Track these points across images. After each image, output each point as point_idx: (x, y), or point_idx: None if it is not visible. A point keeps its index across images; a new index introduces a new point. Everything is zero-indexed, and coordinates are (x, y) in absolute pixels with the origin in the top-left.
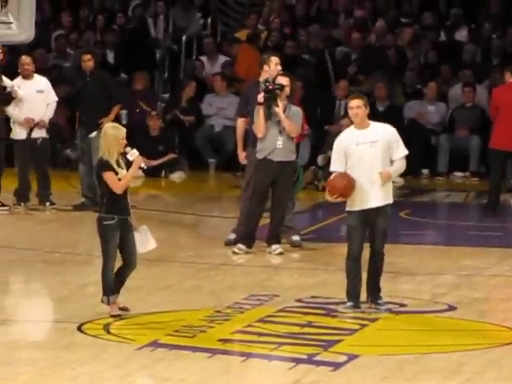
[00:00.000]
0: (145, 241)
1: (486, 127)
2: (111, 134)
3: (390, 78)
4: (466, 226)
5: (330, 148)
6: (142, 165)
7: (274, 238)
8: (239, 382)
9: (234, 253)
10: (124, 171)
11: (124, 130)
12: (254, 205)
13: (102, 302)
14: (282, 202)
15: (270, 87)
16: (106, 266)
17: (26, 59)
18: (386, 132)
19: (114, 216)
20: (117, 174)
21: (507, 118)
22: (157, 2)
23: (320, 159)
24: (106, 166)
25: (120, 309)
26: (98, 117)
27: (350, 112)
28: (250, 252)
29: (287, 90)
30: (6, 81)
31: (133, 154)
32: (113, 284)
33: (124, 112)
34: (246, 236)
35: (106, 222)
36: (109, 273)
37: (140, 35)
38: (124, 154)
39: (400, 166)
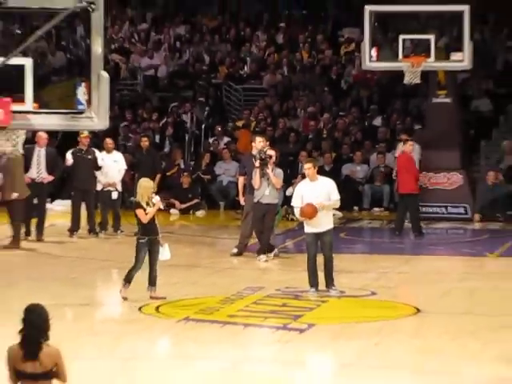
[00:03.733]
0: (165, 253)
1: (392, 179)
2: (144, 186)
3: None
4: (382, 241)
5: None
6: (161, 206)
7: (261, 251)
8: (241, 341)
9: (259, 260)
10: (150, 208)
11: (152, 183)
12: (256, 230)
13: (120, 290)
14: (268, 228)
15: (263, 157)
16: (134, 267)
17: (109, 141)
18: (326, 184)
19: (145, 237)
20: (145, 210)
21: (402, 173)
22: (185, 104)
23: (289, 191)
24: (137, 205)
25: (159, 298)
26: (148, 177)
27: (305, 171)
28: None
29: (274, 157)
30: (98, 155)
31: (156, 200)
32: (132, 278)
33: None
34: (266, 248)
35: (140, 241)
36: (133, 271)
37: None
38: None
39: (333, 203)
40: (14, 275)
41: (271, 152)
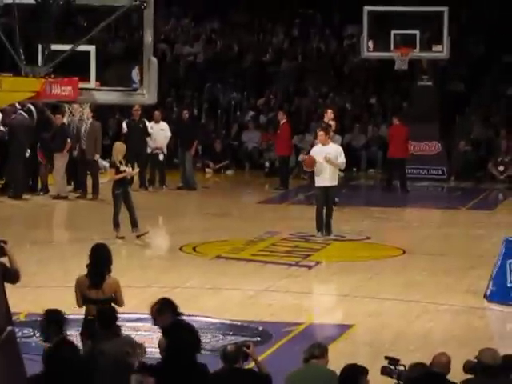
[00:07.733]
0: None
1: (384, 146)
2: (118, 149)
3: None
4: (375, 196)
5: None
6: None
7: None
8: (261, 274)
9: None
10: (123, 167)
11: (124, 146)
12: None
13: (116, 234)
14: None
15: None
16: (116, 213)
17: (157, 113)
18: (335, 149)
19: (120, 188)
20: (118, 168)
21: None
22: (218, 84)
23: (301, 157)
24: (112, 164)
25: (143, 234)
26: (188, 143)
27: (318, 137)
28: None
29: (333, 127)
30: (148, 124)
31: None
32: (118, 221)
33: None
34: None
35: (116, 192)
36: (116, 216)
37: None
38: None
39: (340, 163)
40: (81, 218)
41: (332, 122)
